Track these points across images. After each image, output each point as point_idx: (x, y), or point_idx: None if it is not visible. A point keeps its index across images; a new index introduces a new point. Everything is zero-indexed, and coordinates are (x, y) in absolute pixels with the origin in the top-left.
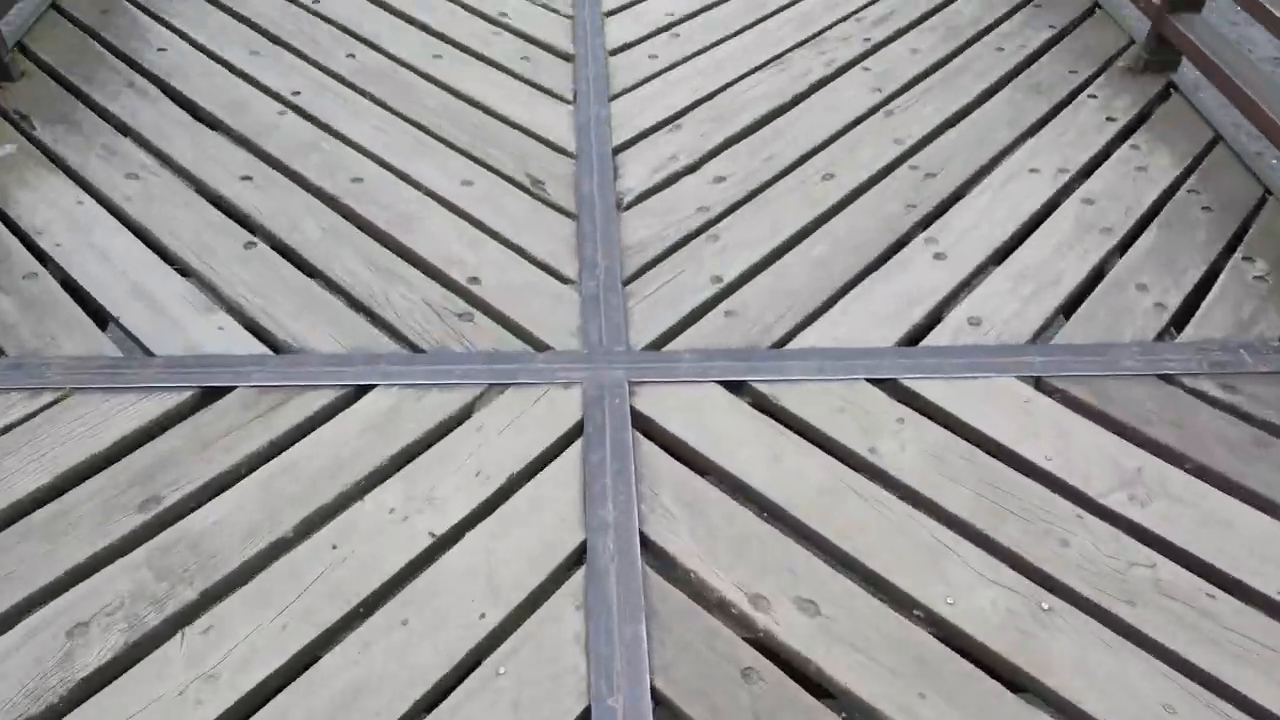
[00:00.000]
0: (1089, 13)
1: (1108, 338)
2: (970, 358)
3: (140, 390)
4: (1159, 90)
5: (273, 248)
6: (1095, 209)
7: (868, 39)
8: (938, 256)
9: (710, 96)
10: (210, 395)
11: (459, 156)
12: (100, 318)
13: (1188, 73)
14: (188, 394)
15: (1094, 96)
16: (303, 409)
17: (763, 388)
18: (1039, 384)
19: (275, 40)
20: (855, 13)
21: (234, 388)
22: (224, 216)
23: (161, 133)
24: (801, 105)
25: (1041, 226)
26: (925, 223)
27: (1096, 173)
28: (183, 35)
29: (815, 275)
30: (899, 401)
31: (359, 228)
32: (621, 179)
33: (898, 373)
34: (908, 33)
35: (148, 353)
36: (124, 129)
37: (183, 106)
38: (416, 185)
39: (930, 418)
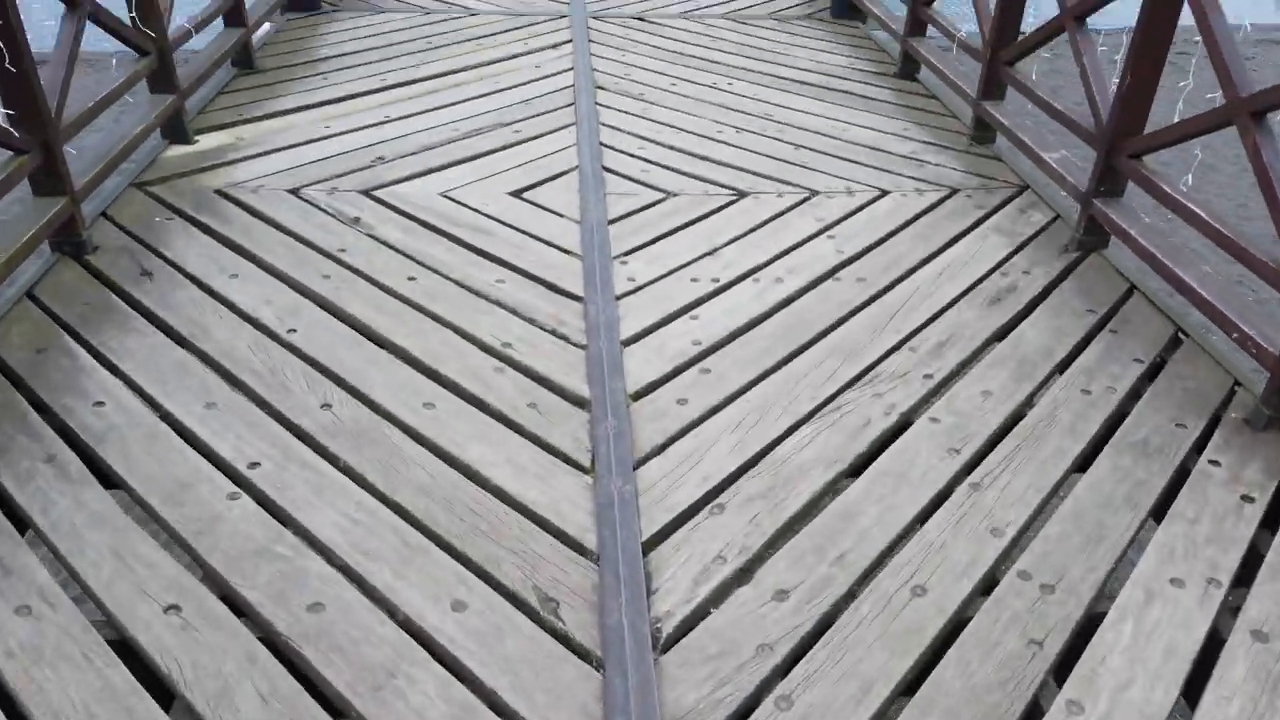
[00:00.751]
0: (1175, 343)
1: None
2: None
3: None
4: None
5: None
6: (1271, 651)
7: (929, 375)
8: None
9: (755, 461)
10: None
11: (451, 562)
12: None
13: None
14: None
15: (1216, 463)
16: None
17: None
18: None
19: (237, 384)
20: (908, 339)
21: None
22: (134, 680)
23: (75, 536)
24: (867, 474)
25: (1211, 679)
26: (1059, 671)
27: (1255, 586)
28: (128, 382)
29: None
30: None
31: (311, 693)
32: (657, 596)
33: None
34: (972, 365)
35: None
36: (27, 526)
37: (111, 487)
38: (392, 614)
39: None
